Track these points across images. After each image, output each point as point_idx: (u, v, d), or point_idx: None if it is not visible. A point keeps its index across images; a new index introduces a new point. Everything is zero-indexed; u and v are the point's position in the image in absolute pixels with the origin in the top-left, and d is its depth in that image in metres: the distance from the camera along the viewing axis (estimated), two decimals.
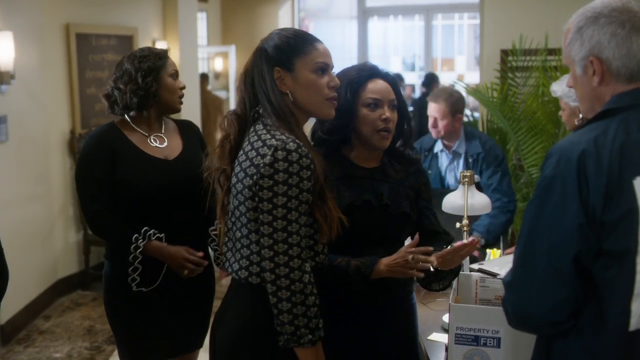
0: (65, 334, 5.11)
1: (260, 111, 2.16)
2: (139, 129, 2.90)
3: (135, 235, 2.74)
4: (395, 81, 2.51)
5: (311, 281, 2.04)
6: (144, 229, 2.76)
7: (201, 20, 9.49)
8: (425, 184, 2.62)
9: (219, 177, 2.23)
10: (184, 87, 2.95)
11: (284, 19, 10.53)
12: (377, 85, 2.43)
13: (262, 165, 2.02)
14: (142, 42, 6.93)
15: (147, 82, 2.81)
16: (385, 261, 2.30)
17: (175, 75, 2.91)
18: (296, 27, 10.97)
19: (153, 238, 2.77)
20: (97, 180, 2.80)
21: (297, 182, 2.01)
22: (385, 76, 2.48)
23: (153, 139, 2.91)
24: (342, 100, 2.37)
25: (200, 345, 3.03)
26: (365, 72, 2.45)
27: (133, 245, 2.74)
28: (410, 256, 2.25)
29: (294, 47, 2.16)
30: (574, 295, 1.65)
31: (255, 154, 2.06)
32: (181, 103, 2.96)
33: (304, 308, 2.01)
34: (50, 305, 5.65)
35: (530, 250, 1.69)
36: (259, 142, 2.08)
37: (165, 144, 2.93)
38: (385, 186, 2.48)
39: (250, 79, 2.19)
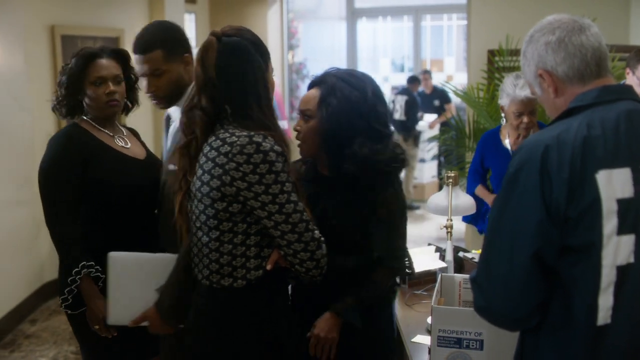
0: (51, 338, 5.08)
1: (229, 109, 2.13)
2: (102, 129, 2.82)
3: (83, 262, 2.65)
4: (319, 87, 2.50)
5: None
6: (90, 263, 2.67)
7: (190, 22, 9.45)
8: (385, 199, 2.47)
9: (181, 178, 2.19)
10: (112, 92, 2.72)
11: (272, 20, 10.50)
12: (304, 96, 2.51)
13: (234, 165, 2.02)
14: (129, 44, 6.82)
15: (62, 94, 2.75)
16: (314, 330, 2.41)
17: (98, 81, 2.71)
18: (285, 28, 10.97)
19: (93, 275, 2.69)
20: (64, 188, 2.71)
21: (280, 168, 2.05)
22: (310, 86, 2.53)
23: (118, 138, 2.85)
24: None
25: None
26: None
27: (75, 270, 2.66)
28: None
29: (267, 49, 2.20)
30: (534, 292, 1.67)
31: (215, 154, 2.06)
32: (110, 108, 2.77)
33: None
34: (37, 309, 5.61)
35: (492, 246, 1.72)
36: (218, 141, 2.07)
37: (129, 145, 2.88)
38: (332, 201, 2.44)
39: (229, 74, 2.12)
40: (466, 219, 4.08)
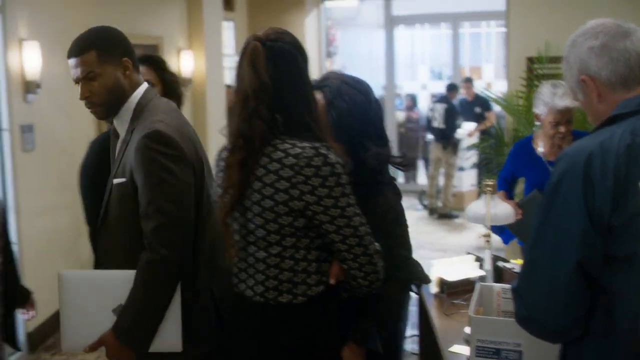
0: None
1: (280, 118, 2.01)
2: None
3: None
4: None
5: None
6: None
7: (228, 29, 9.53)
8: (377, 207, 2.35)
9: (237, 193, 2.03)
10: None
11: (310, 28, 10.54)
12: None
13: (302, 178, 1.95)
14: (168, 51, 6.95)
15: None
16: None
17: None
18: (323, 35, 11.00)
19: None
20: (99, 191, 2.64)
21: (346, 180, 2.00)
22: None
23: None
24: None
25: None
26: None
27: None
28: None
29: (306, 54, 2.13)
30: (578, 301, 1.65)
31: (278, 166, 1.97)
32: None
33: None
34: None
35: (535, 256, 1.69)
36: (279, 152, 1.98)
37: None
38: None
39: (279, 81, 2.01)
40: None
